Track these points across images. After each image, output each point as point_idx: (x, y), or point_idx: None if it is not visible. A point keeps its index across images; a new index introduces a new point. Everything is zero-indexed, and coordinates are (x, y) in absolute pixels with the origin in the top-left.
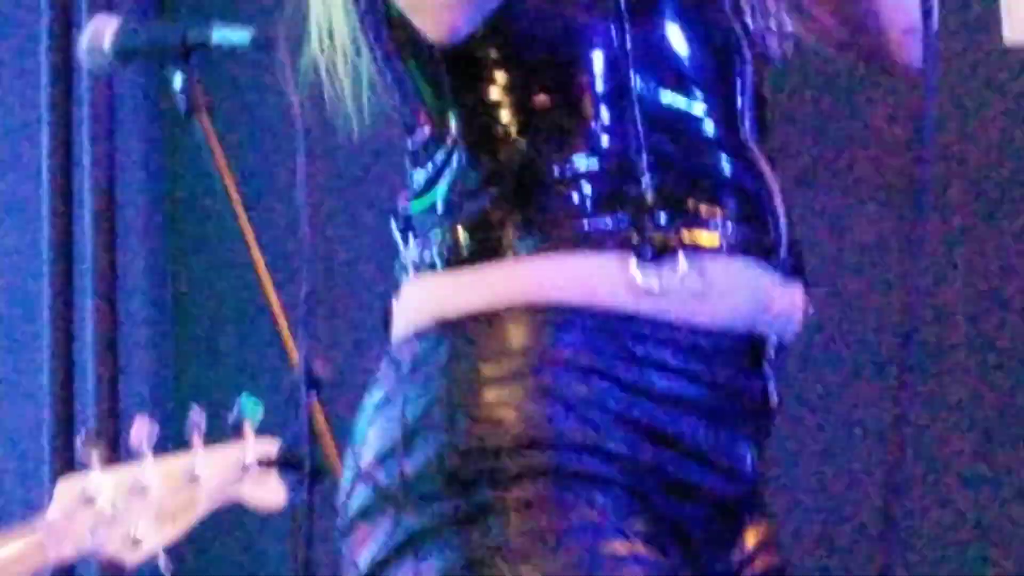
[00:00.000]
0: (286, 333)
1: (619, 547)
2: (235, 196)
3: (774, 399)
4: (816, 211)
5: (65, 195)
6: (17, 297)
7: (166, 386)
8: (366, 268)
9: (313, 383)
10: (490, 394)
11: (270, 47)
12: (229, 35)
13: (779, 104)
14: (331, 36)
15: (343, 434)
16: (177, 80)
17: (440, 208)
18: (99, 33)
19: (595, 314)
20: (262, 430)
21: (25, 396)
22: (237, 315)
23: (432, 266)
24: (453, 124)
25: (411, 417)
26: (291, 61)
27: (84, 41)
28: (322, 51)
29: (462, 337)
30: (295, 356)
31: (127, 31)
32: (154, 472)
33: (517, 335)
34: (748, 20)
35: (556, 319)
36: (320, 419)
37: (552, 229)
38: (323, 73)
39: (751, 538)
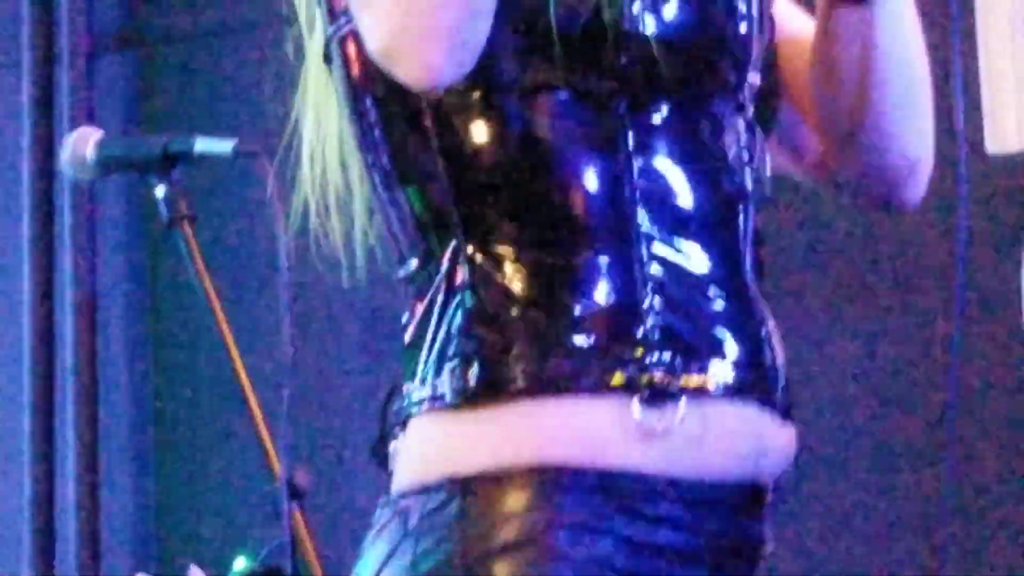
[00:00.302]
0: (268, 443)
1: None
2: (218, 308)
3: (769, 543)
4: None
5: (46, 310)
6: None
7: (148, 497)
8: (349, 378)
9: (295, 493)
10: (502, 559)
11: (253, 158)
12: (212, 146)
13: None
14: (324, 174)
15: (325, 543)
16: (159, 191)
17: (444, 342)
18: (81, 143)
19: (599, 472)
20: (246, 541)
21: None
22: (219, 426)
23: (441, 402)
24: (456, 253)
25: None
26: (274, 171)
27: (66, 151)
28: (313, 191)
29: (471, 497)
30: (277, 466)
31: (109, 141)
32: None
33: (525, 497)
34: (751, 161)
35: (562, 480)
36: (302, 529)
37: (556, 371)
38: (312, 216)
39: None
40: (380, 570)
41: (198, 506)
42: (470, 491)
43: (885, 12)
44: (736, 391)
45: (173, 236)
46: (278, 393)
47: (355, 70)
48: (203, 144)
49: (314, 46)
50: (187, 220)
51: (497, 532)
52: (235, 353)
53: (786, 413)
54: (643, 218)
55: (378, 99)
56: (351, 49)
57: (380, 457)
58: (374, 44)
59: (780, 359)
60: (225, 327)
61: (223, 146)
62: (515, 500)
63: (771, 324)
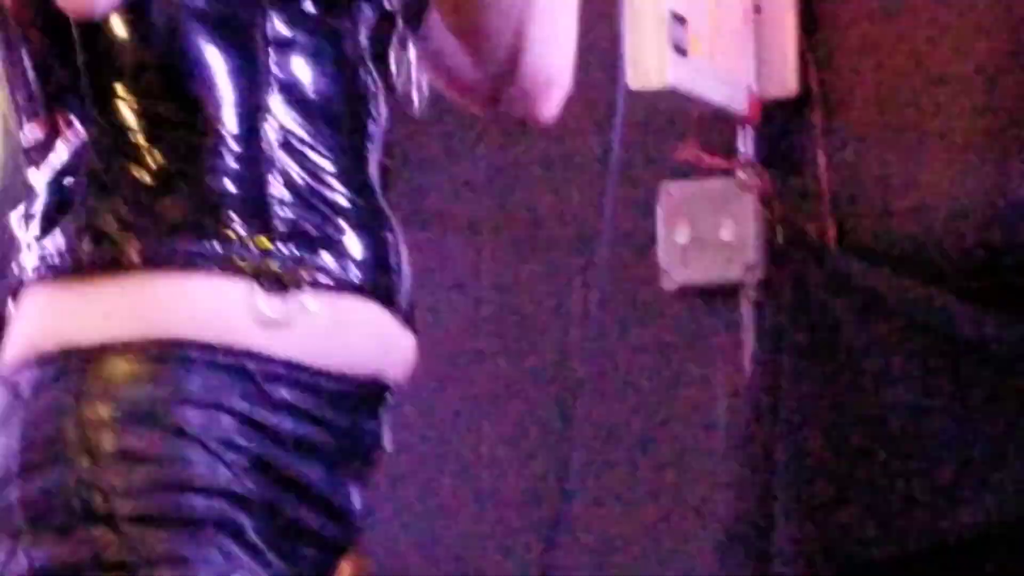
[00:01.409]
0: None
1: None
2: None
3: (388, 444)
4: None
5: None
6: None
7: None
8: None
9: None
10: (120, 434)
11: None
12: None
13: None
14: None
15: None
16: None
17: (61, 210)
18: None
19: (226, 350)
20: None
21: None
22: None
23: (53, 271)
24: (80, 121)
25: (31, 445)
26: None
27: None
28: None
29: (88, 368)
30: None
31: None
32: None
33: (145, 370)
34: (391, 73)
35: (184, 354)
36: None
37: (177, 247)
38: None
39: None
40: None
41: None
42: (87, 362)
43: None
44: (362, 288)
45: None
46: None
47: None
48: None
49: None
50: None
51: (115, 404)
52: None
53: (408, 319)
54: (273, 105)
55: None
56: None
57: None
58: None
59: (405, 265)
60: None
61: None
62: (135, 373)
63: (397, 231)
